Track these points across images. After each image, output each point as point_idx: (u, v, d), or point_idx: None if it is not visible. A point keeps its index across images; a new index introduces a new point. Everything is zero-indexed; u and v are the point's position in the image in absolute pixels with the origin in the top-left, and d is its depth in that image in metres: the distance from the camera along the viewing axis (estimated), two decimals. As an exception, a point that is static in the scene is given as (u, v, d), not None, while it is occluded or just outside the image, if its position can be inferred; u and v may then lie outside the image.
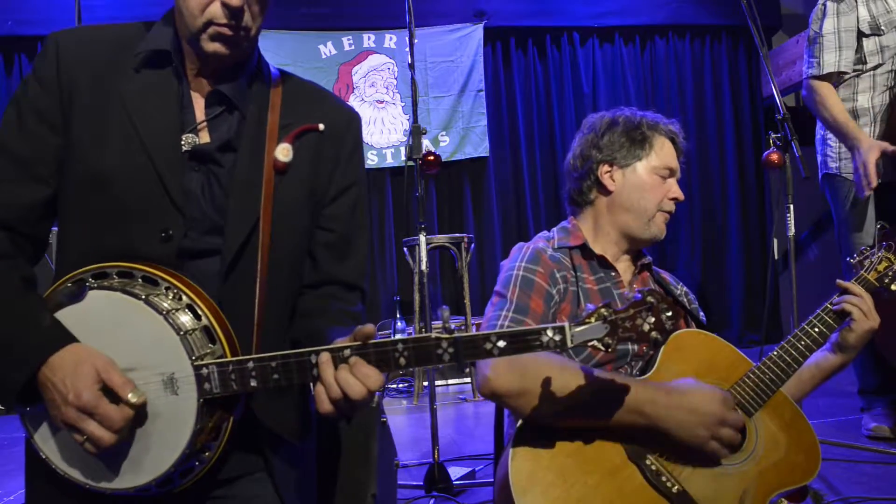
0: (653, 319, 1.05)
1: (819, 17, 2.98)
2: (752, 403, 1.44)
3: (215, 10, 1.13)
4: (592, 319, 1.02)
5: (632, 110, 1.74)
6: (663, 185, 1.66)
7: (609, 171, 1.67)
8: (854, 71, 2.94)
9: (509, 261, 1.61)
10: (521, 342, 1.01)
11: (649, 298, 1.05)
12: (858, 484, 2.43)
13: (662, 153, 1.67)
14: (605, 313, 1.03)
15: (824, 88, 2.94)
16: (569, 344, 1.00)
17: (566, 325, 1.00)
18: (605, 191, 1.67)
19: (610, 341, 1.03)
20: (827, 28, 2.94)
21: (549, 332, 1.00)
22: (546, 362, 1.35)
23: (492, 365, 1.37)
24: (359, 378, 1.01)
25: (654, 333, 1.05)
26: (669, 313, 1.06)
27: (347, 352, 1.02)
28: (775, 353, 1.49)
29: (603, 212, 1.68)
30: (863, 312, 1.51)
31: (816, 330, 1.52)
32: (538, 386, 1.32)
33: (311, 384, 1.06)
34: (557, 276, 1.57)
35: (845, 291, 1.54)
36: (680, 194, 1.67)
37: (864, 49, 2.92)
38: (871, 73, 2.91)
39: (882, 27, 2.88)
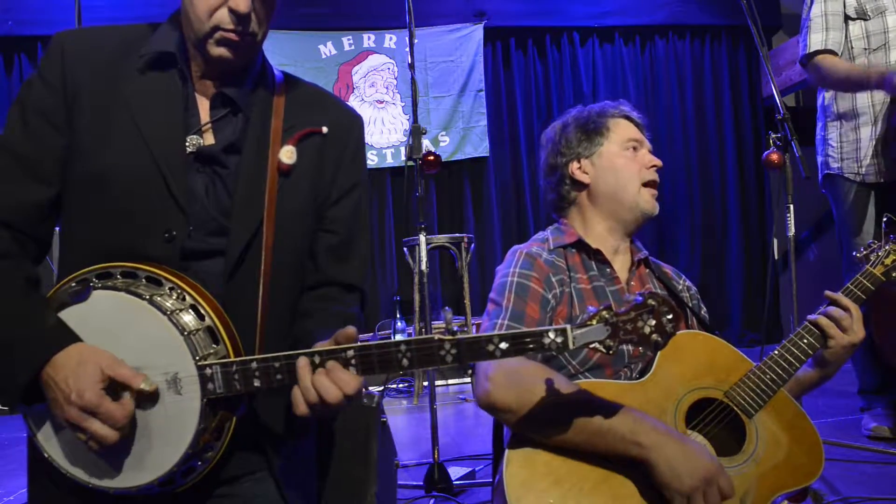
0: (654, 322, 1.05)
1: (808, 4, 3.01)
2: (752, 404, 1.42)
3: (223, 15, 1.14)
4: (594, 322, 1.03)
5: (577, 108, 1.75)
6: (636, 158, 1.64)
7: (579, 166, 1.66)
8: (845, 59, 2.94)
9: (503, 266, 1.59)
10: (523, 344, 1.02)
11: (650, 301, 1.05)
12: (858, 484, 2.43)
13: (621, 129, 1.66)
14: (607, 316, 1.04)
15: (826, 60, 2.90)
16: (570, 346, 1.01)
17: (568, 327, 1.01)
18: (582, 186, 1.66)
19: (611, 343, 1.04)
20: (815, 12, 2.95)
21: (551, 335, 1.01)
22: (546, 381, 1.32)
23: (491, 377, 1.35)
24: (335, 383, 1.02)
25: (654, 336, 1.05)
26: (670, 316, 1.06)
27: (350, 352, 1.03)
28: (776, 352, 1.47)
29: (587, 205, 1.66)
30: (841, 328, 1.45)
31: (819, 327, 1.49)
32: (536, 405, 1.31)
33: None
34: (553, 280, 1.54)
35: (834, 302, 1.48)
36: (656, 160, 1.65)
37: (850, 34, 2.92)
38: (865, 61, 2.90)
39: (868, 13, 2.89)
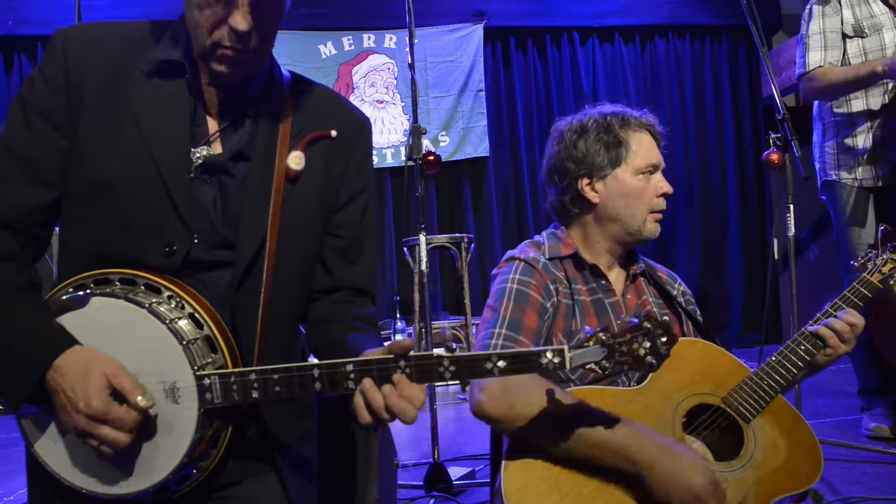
0: (648, 344, 1.07)
1: (806, 20, 3.03)
2: (749, 409, 1.42)
3: (223, 33, 1.10)
4: (591, 343, 1.05)
5: (599, 110, 1.64)
6: (649, 185, 1.58)
7: (589, 184, 1.59)
8: None
9: (501, 273, 1.56)
10: (521, 363, 1.04)
11: (646, 324, 1.07)
12: (858, 484, 2.43)
13: (641, 150, 1.58)
14: (604, 338, 1.06)
15: (819, 72, 2.93)
16: (567, 366, 1.03)
17: (565, 347, 1.03)
18: (589, 204, 1.60)
19: (607, 364, 1.06)
20: (812, 29, 2.97)
21: (549, 355, 1.03)
22: (541, 392, 1.32)
23: (485, 388, 1.35)
24: (407, 399, 1.02)
25: (649, 358, 1.07)
26: (665, 339, 1.08)
27: (350, 367, 1.03)
28: (774, 358, 1.48)
29: (590, 223, 1.62)
30: (842, 340, 1.47)
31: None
32: (530, 415, 1.31)
33: (342, 396, 1.07)
34: (552, 288, 1.52)
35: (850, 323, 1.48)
36: (668, 187, 1.60)
37: (848, 51, 2.94)
38: None
39: (865, 30, 2.91)
